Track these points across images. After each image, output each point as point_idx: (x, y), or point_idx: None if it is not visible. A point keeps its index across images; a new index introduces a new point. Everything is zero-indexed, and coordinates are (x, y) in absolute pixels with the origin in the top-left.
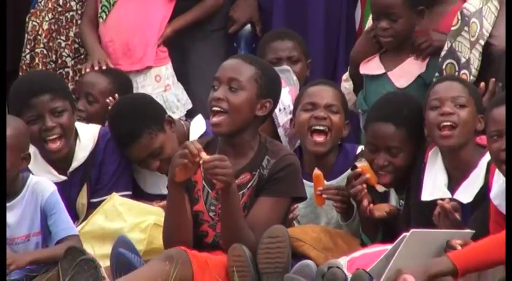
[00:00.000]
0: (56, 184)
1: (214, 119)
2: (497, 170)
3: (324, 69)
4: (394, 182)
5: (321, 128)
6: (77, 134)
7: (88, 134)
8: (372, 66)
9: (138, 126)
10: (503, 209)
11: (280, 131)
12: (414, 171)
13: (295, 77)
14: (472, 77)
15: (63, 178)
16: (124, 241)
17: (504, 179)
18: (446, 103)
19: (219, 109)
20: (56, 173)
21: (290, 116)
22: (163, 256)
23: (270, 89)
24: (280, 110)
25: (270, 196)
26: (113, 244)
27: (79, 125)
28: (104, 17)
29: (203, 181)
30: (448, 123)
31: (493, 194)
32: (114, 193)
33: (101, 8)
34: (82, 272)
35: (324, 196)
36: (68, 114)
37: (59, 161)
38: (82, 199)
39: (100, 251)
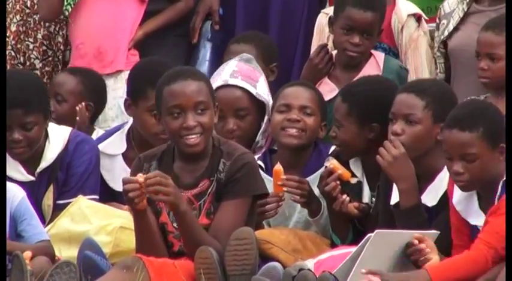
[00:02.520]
0: (24, 183)
1: (192, 141)
2: None
3: (281, 66)
4: (350, 156)
5: (294, 130)
6: (47, 135)
7: (58, 136)
8: (325, 90)
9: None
10: (465, 215)
11: (266, 119)
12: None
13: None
14: (440, 75)
15: (31, 178)
16: (90, 244)
17: None
18: (398, 120)
19: (195, 136)
20: (25, 172)
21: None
22: (120, 265)
23: (214, 95)
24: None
25: (231, 199)
26: (79, 247)
27: (50, 126)
28: (70, 10)
29: None
30: (396, 143)
31: (455, 200)
32: (80, 196)
33: (66, 1)
34: (62, 274)
35: (284, 188)
36: (38, 128)
37: (28, 160)
38: (48, 200)
39: (66, 254)
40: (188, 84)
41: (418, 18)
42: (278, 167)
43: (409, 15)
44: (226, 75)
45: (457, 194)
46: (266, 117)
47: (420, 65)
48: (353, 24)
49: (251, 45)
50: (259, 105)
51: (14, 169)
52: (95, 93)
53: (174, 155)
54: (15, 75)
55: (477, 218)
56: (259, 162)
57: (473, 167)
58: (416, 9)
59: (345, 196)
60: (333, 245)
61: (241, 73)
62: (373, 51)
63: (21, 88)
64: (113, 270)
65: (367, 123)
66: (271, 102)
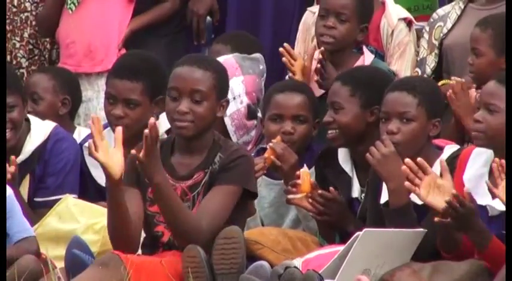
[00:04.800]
0: None
1: (180, 124)
2: (473, 156)
3: (273, 66)
4: (344, 142)
5: (288, 143)
6: (29, 129)
7: (40, 130)
8: (314, 87)
9: (143, 71)
10: (473, 194)
11: (227, 120)
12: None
13: (262, 66)
14: (425, 76)
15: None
16: (78, 242)
17: (480, 165)
18: (393, 119)
19: (184, 124)
20: None
21: (241, 106)
22: (97, 262)
23: (226, 89)
24: (241, 102)
25: (221, 184)
26: (66, 245)
27: (34, 120)
28: (73, 8)
29: None
30: (386, 141)
31: (466, 177)
32: (67, 195)
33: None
34: None
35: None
36: (19, 109)
37: (8, 152)
38: (23, 190)
39: (54, 253)
40: (191, 71)
41: (408, 23)
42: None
43: (399, 20)
44: None
45: (470, 172)
46: (226, 119)
47: (404, 69)
48: (326, 6)
49: (227, 46)
50: None
51: None
52: (69, 87)
53: (173, 147)
54: None
55: (483, 198)
56: None
57: (493, 120)
58: (406, 14)
59: (298, 196)
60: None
61: None
62: (365, 51)
63: None
64: (89, 268)
65: (369, 105)
66: (244, 103)
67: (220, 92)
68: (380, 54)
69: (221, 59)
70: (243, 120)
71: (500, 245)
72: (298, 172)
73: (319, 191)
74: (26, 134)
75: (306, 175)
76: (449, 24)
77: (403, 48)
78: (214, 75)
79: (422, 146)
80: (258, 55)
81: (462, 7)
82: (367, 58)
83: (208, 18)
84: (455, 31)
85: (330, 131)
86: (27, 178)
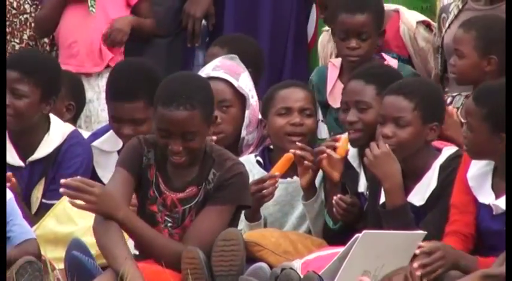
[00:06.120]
0: (16, 169)
1: (176, 160)
2: None
3: (270, 69)
4: (364, 140)
5: (297, 138)
6: (48, 128)
7: (59, 131)
8: (338, 93)
9: (141, 89)
10: (476, 192)
11: (246, 113)
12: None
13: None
14: (438, 71)
15: (21, 163)
16: (78, 244)
17: (484, 163)
18: (388, 123)
19: (181, 160)
20: (16, 157)
21: (252, 100)
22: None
23: (213, 107)
24: (252, 97)
25: (215, 204)
26: (66, 247)
27: (54, 119)
28: (94, 10)
29: (153, 187)
30: (380, 142)
31: (470, 175)
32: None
33: (90, 2)
34: (25, 274)
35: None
36: (29, 101)
37: (23, 147)
38: (38, 192)
39: (53, 255)
40: (179, 114)
41: (427, 26)
42: (290, 155)
43: (418, 23)
44: (209, 70)
45: (473, 170)
46: (247, 111)
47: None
48: (346, 29)
49: (223, 49)
50: (241, 99)
51: (8, 152)
52: (74, 92)
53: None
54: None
55: (486, 197)
56: (258, 158)
57: (473, 137)
58: (423, 17)
59: (328, 151)
60: (330, 243)
61: (223, 67)
62: (386, 57)
63: (24, 54)
64: (104, 274)
65: None
66: (255, 97)
67: (209, 117)
68: (403, 60)
69: (218, 62)
70: (256, 116)
71: (487, 262)
72: (338, 136)
73: (339, 196)
74: (45, 132)
75: (346, 141)
76: (447, 22)
77: (432, 49)
78: (201, 109)
79: (420, 148)
80: (232, 55)
81: (460, 6)
82: (392, 64)
83: (204, 22)
84: (450, 31)
85: (352, 132)
86: (42, 181)
